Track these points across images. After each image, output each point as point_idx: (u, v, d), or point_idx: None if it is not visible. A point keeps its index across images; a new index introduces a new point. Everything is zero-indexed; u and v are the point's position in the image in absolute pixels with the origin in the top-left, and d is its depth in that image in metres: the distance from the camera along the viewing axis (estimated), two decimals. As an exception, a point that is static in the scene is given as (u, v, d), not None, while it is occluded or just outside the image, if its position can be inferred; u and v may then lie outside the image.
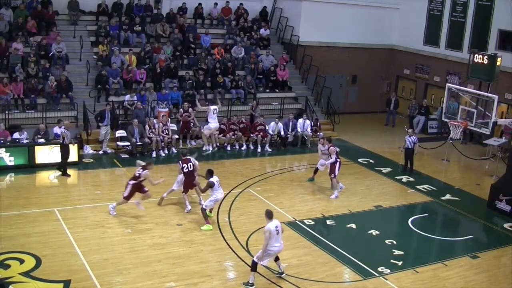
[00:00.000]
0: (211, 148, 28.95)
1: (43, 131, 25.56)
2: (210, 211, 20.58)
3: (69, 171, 24.52)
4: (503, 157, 29.75)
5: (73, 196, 22.37)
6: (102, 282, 15.91)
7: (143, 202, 20.85)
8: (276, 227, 16.30)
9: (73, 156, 25.28)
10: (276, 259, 16.99)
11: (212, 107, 29.12)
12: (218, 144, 29.24)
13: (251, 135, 29.86)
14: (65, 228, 19.05)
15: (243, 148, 29.74)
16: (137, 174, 20.41)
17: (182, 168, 20.98)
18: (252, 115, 31.06)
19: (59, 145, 24.58)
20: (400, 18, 39.96)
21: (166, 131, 28.00)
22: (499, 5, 33.80)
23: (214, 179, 20.01)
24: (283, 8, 38.10)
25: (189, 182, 21.17)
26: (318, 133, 31.40)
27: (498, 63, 28.99)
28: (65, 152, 24.42)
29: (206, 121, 29.34)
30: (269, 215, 16.42)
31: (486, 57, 29.31)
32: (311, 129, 31.28)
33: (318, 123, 32.23)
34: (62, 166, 24.42)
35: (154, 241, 18.62)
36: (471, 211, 23.91)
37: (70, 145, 24.81)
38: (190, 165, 21.02)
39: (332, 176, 23.97)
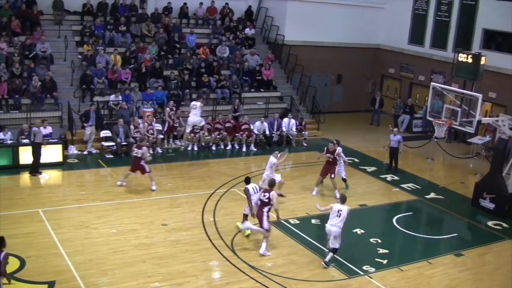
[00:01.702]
0: (195, 148, 28.91)
1: (27, 131, 25.41)
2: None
3: (53, 172, 24.48)
4: (487, 155, 30.04)
5: (58, 197, 22.21)
6: (87, 283, 15.90)
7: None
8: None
9: (57, 157, 25.24)
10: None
11: (192, 102, 29.10)
12: (203, 143, 29.24)
13: (236, 134, 29.86)
14: (49, 229, 18.99)
15: (228, 148, 29.73)
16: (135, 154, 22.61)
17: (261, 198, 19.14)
18: (235, 115, 31.07)
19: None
20: (385, 18, 40.11)
21: (152, 131, 27.98)
22: (483, 4, 34.05)
23: (250, 186, 19.72)
24: (268, 8, 38.13)
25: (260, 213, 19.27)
26: (303, 132, 31.52)
27: (482, 62, 29.09)
28: (35, 150, 24.26)
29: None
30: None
31: (470, 56, 29.39)
32: (296, 129, 31.33)
33: (304, 123, 32.28)
34: (34, 165, 24.29)
35: (139, 241, 18.60)
36: (455, 209, 24.15)
37: (56, 145, 24.83)
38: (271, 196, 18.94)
39: (332, 176, 23.92)
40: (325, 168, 24.04)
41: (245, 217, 19.75)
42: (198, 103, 28.56)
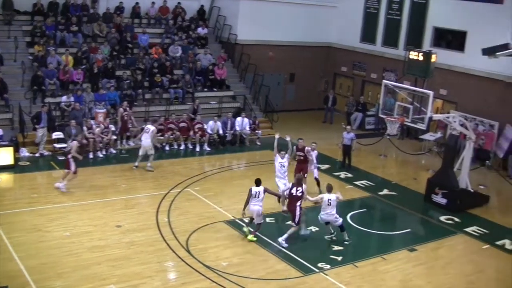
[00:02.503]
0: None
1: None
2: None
3: (4, 175, 24.15)
4: (439, 151, 30.44)
5: (9, 200, 21.82)
6: (41, 287, 15.74)
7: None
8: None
9: (8, 159, 24.90)
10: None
11: (146, 126, 27.09)
12: (156, 144, 29.05)
13: (190, 134, 29.77)
14: (1, 233, 18.70)
15: (181, 148, 29.65)
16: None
17: (291, 191, 19.98)
18: (196, 116, 30.93)
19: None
20: (337, 16, 40.37)
21: (106, 132, 27.75)
22: (434, 3, 34.58)
23: (254, 188, 19.92)
24: (220, 7, 38.11)
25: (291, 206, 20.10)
26: (257, 131, 31.58)
27: (433, 59, 29.50)
28: None
29: (144, 121, 29.30)
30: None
31: (421, 54, 29.82)
32: (250, 128, 31.39)
33: (257, 122, 32.36)
34: None
35: (93, 244, 18.46)
36: (408, 205, 24.49)
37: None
38: (299, 189, 19.88)
39: (305, 176, 23.73)
40: (297, 167, 23.70)
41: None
42: (151, 128, 26.52)
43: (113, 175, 24.95)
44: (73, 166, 22.57)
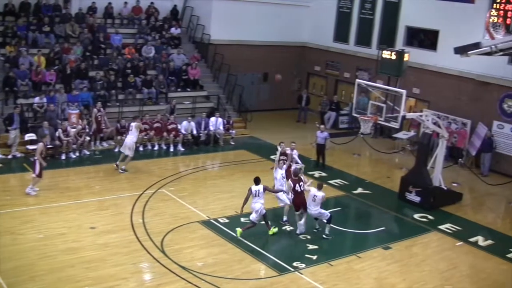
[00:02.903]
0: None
1: None
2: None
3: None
4: (412, 150, 30.62)
5: (-18, 203, 21.68)
6: (15, 290, 15.62)
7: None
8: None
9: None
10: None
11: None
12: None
13: (164, 134, 29.65)
14: (-26, 236, 18.56)
15: (155, 148, 29.55)
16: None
17: (294, 187, 20.71)
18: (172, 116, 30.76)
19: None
20: (311, 16, 40.51)
21: (81, 133, 27.52)
22: (406, 2, 34.82)
23: (254, 187, 20.13)
24: (194, 7, 38.05)
25: (299, 201, 20.74)
26: (230, 131, 31.58)
27: (406, 58, 29.73)
28: None
29: (118, 121, 29.16)
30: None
31: (394, 53, 30.02)
32: (224, 127, 31.36)
33: (231, 121, 32.34)
34: None
35: (67, 246, 18.31)
36: (382, 203, 24.63)
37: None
38: (301, 184, 20.77)
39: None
40: (287, 171, 23.31)
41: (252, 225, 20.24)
42: (133, 124, 26.60)
43: (87, 176, 24.83)
44: (37, 168, 22.25)
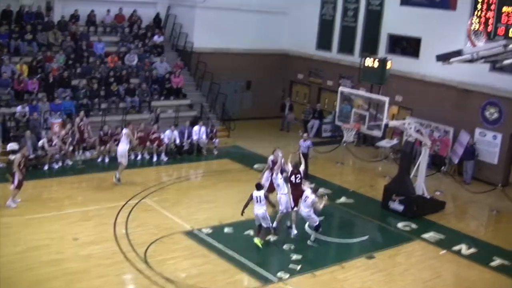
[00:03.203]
0: (106, 159, 28.45)
1: None
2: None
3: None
4: (395, 158, 30.68)
5: (-39, 215, 21.48)
6: (-2, 303, 15.53)
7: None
8: None
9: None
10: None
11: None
12: (114, 154, 28.81)
13: (147, 144, 29.54)
14: (-45, 249, 18.39)
15: (138, 158, 29.40)
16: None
17: (290, 179, 21.59)
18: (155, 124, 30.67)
19: None
20: (293, 24, 40.55)
21: (65, 140, 27.36)
22: (388, 10, 34.91)
23: (255, 193, 20.26)
24: (176, 15, 38.02)
25: (297, 193, 21.34)
26: (214, 140, 31.52)
27: (388, 66, 29.75)
28: None
29: (100, 129, 29.06)
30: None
31: (376, 60, 30.08)
32: (207, 136, 31.29)
33: (215, 130, 32.28)
34: None
35: (51, 257, 18.17)
36: (366, 212, 24.67)
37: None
38: (298, 176, 21.58)
39: None
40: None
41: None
42: (124, 131, 26.16)
43: (70, 186, 24.72)
44: (16, 180, 22.02)
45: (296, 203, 21.11)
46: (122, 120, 30.67)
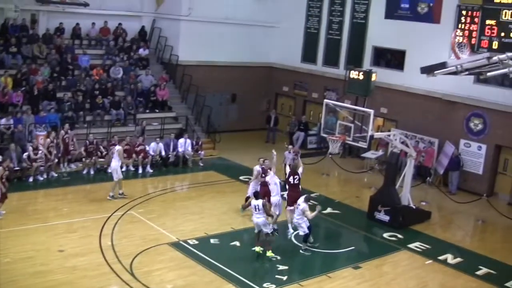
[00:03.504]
0: (91, 171, 28.34)
1: None
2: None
3: None
4: (381, 169, 30.77)
5: None
6: (-18, 316, 15.39)
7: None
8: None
9: None
10: None
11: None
12: (98, 166, 28.72)
13: (133, 156, 29.41)
14: None
15: (123, 170, 29.15)
16: None
17: (288, 179, 22.68)
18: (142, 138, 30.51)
19: None
20: (278, 36, 40.70)
21: (49, 155, 27.26)
22: (373, 23, 35.14)
23: (254, 201, 20.48)
24: (162, 28, 38.05)
25: (292, 195, 22.37)
26: (199, 152, 31.48)
27: (373, 78, 29.92)
28: None
29: (86, 138, 29.04)
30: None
31: (361, 73, 30.20)
32: (192, 148, 31.24)
33: (200, 142, 32.23)
34: None
35: (36, 269, 18.06)
36: (352, 223, 24.71)
37: None
38: (296, 177, 22.61)
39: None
40: (261, 189, 23.21)
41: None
42: (116, 148, 26.13)
43: (55, 198, 24.61)
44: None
45: (291, 203, 21.79)
46: (107, 133, 30.60)
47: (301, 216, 20.88)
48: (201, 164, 31.49)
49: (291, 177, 22.32)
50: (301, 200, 21.03)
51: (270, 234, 20.44)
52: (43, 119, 29.36)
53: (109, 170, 25.82)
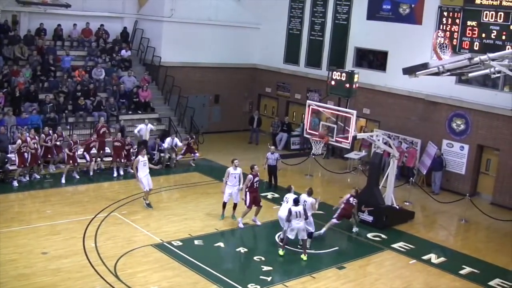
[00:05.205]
0: (75, 174, 28.22)
1: None
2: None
3: None
4: (364, 169, 30.81)
5: None
6: (-35, 319, 15.28)
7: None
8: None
9: None
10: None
11: None
12: (84, 168, 28.56)
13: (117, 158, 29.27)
14: None
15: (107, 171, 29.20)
16: None
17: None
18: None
19: None
20: (261, 38, 40.74)
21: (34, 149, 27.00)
22: (355, 24, 35.21)
23: (294, 208, 20.76)
24: (144, 29, 37.97)
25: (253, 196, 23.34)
26: (194, 154, 31.46)
27: (356, 79, 29.94)
28: None
29: (69, 136, 28.85)
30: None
31: (344, 74, 30.20)
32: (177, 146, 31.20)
33: (191, 143, 32.17)
34: None
35: (19, 272, 17.93)
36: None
37: None
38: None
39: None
40: (252, 195, 23.64)
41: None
42: (139, 157, 25.65)
43: (38, 200, 24.47)
44: None
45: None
46: (90, 134, 30.39)
47: (310, 212, 21.41)
48: (193, 165, 31.64)
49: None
50: (304, 196, 21.59)
51: (309, 239, 21.22)
52: (25, 120, 29.21)
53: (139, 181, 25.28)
